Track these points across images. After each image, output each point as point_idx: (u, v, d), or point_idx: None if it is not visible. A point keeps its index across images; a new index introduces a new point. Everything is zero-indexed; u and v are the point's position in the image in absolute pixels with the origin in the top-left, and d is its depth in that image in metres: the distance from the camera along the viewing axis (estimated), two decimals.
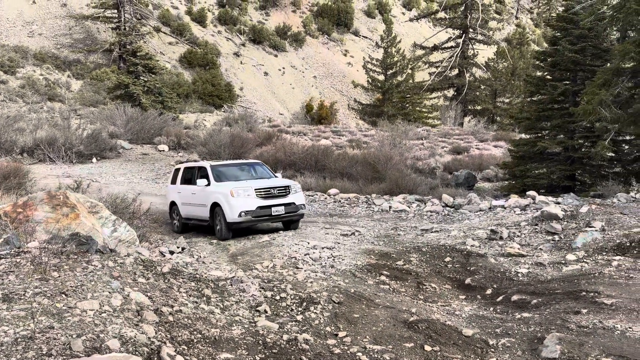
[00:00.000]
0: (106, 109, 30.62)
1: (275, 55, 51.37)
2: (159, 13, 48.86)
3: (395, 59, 43.01)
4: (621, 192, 13.77)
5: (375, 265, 7.73)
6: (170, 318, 4.26)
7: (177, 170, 13.38)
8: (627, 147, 18.70)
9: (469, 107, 44.03)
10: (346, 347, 4.45)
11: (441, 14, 45.77)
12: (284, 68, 50.52)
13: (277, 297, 5.87)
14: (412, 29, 58.04)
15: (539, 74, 20.98)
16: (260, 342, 4.37)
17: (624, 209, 8.90)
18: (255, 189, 10.89)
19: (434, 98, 45.28)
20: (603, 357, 4.15)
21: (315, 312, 5.26)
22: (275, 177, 12.38)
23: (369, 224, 12.51)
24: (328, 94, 48.99)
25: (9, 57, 38.51)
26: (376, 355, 4.32)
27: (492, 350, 4.61)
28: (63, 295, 3.86)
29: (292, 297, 5.86)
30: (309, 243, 9.82)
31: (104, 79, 38.57)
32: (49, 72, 39.76)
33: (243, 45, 50.88)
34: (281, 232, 11.12)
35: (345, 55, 54.68)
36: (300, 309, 5.41)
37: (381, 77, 43.60)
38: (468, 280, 6.90)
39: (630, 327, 4.66)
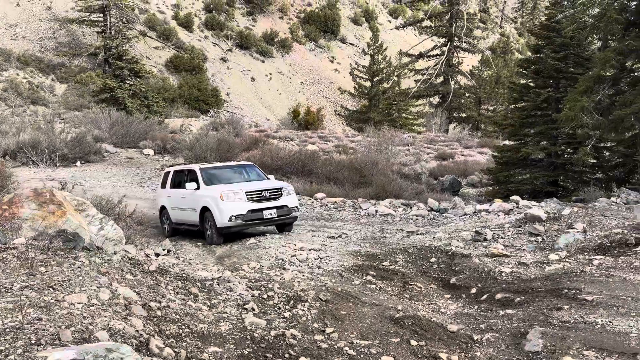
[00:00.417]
0: (91, 112, 30.34)
1: (262, 61, 51.44)
2: (145, 17, 48.65)
3: (382, 66, 43.42)
4: (602, 197, 14.04)
5: (361, 266, 7.79)
6: (159, 313, 4.26)
7: (167, 173, 13.03)
8: (608, 153, 19.09)
9: (454, 114, 44.53)
10: (333, 342, 4.49)
11: (427, 22, 46.31)
12: (270, 74, 50.61)
13: (265, 296, 5.89)
14: (398, 37, 58.60)
15: (522, 81, 21.35)
16: (248, 337, 4.39)
17: (604, 212, 9.10)
18: (246, 192, 10.54)
19: (420, 105, 45.72)
20: (584, 350, 4.25)
21: (303, 310, 5.29)
22: (268, 179, 12.04)
23: (356, 227, 12.57)
24: (315, 100, 49.17)
25: None
26: (363, 350, 4.37)
27: (477, 345, 4.69)
28: (51, 289, 3.84)
29: (279, 295, 5.88)
30: (295, 245, 9.83)
31: (88, 83, 38.22)
32: (33, 75, 39.31)
33: (230, 50, 50.89)
34: (268, 234, 11.08)
35: (332, 61, 54.98)
36: (287, 306, 5.44)
37: (368, 84, 43.94)
38: (453, 280, 6.99)
39: (610, 322, 4.78)
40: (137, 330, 3.65)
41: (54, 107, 35.96)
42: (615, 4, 14.73)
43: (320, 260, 8.43)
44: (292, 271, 7.48)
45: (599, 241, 7.50)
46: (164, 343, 3.69)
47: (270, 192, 10.80)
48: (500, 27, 69.85)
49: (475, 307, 5.89)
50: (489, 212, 13.08)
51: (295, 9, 58.72)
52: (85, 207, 5.64)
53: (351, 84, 45.83)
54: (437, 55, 44.98)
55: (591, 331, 4.64)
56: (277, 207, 10.69)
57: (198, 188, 11.10)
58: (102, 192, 15.10)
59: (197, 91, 43.10)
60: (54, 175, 19.70)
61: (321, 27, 56.52)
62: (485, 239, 8.65)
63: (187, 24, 50.73)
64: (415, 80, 44.88)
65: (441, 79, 44.48)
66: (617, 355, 4.10)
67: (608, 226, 8.05)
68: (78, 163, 23.26)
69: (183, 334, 4.05)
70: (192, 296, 5.21)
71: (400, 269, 7.58)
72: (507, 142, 22.77)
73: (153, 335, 3.72)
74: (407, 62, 45.89)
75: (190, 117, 40.38)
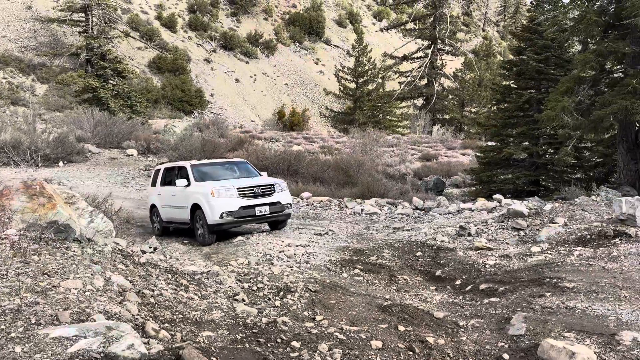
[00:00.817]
0: (73, 112, 30.01)
1: (247, 62, 51.37)
2: (128, 17, 48.26)
3: (366, 67, 43.74)
4: (583, 196, 14.37)
5: (349, 261, 7.89)
6: (152, 300, 4.31)
7: (157, 171, 12.82)
8: (588, 153, 19.54)
9: (438, 116, 45.01)
10: (323, 329, 4.59)
11: (411, 25, 46.76)
12: (255, 75, 50.56)
13: (254, 288, 5.96)
14: (382, 39, 59.03)
15: (505, 82, 21.73)
16: (240, 323, 4.46)
17: (585, 207, 9.36)
18: (237, 188, 10.29)
19: (404, 107, 46.12)
20: (565, 332, 4.41)
21: (293, 299, 5.38)
22: (261, 175, 11.79)
23: (342, 225, 12.68)
24: (300, 102, 49.25)
25: None
26: (352, 335, 4.47)
27: (462, 330, 4.83)
28: (46, 276, 3.86)
29: (269, 287, 5.95)
30: (283, 242, 9.89)
31: (70, 84, 37.75)
32: (13, 75, 38.70)
33: (214, 51, 50.72)
34: (255, 232, 11.11)
35: (317, 63, 55.14)
36: (277, 297, 5.51)
37: (352, 85, 44.20)
38: (438, 272, 7.14)
39: (590, 306, 4.96)
40: (133, 315, 3.70)
41: (35, 108, 35.44)
42: (595, 6, 15.10)
43: (307, 256, 8.51)
44: (280, 266, 7.55)
45: (579, 234, 7.73)
46: (159, 327, 3.75)
47: (262, 189, 10.57)
48: (483, 30, 70.79)
49: (460, 297, 6.04)
50: (473, 210, 13.31)
51: (279, 10, 58.78)
52: (75, 200, 5.66)
53: (336, 86, 46.05)
54: (420, 57, 45.45)
55: (572, 315, 4.82)
56: (270, 204, 10.46)
57: (188, 185, 10.88)
58: (86, 191, 14.98)
59: (181, 92, 42.86)
60: (36, 175, 19.47)
61: (306, 28, 56.68)
62: (469, 234, 8.84)
63: (170, 25, 50.44)
64: (399, 82, 45.27)
65: (425, 81, 44.95)
66: (596, 336, 4.27)
67: (588, 220, 8.29)
68: (60, 163, 23.01)
69: (177, 320, 4.11)
70: (183, 287, 5.26)
71: (387, 263, 7.70)
72: (490, 143, 23.15)
73: (148, 320, 3.78)
74: (391, 65, 46.27)
75: (174, 118, 40.13)
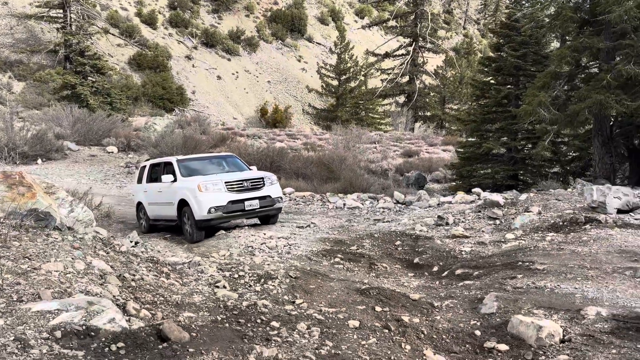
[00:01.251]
0: (51, 109, 29.56)
1: (229, 59, 51.14)
2: (107, 14, 47.65)
3: (349, 64, 43.91)
4: (560, 189, 14.72)
5: (330, 251, 8.01)
6: (133, 284, 4.37)
7: (143, 168, 12.52)
8: (564, 147, 19.99)
9: (419, 113, 45.41)
10: (303, 310, 4.70)
11: (392, 23, 47.06)
12: (237, 72, 50.37)
13: (236, 276, 6.04)
14: (364, 37, 59.27)
15: (484, 78, 22.09)
16: (221, 305, 4.55)
17: (559, 196, 9.63)
18: (225, 182, 9.99)
19: (386, 104, 46.44)
20: (535, 309, 4.59)
21: (273, 285, 5.47)
22: (250, 169, 11.50)
23: (324, 219, 12.79)
24: (282, 99, 49.21)
25: None
26: (331, 315, 4.59)
27: (437, 310, 4.99)
28: (26, 259, 3.89)
29: (250, 275, 6.04)
30: (265, 234, 9.96)
31: (48, 81, 37.14)
32: None
33: (195, 48, 50.38)
34: (237, 226, 11.14)
35: (299, 60, 55.14)
36: (258, 283, 5.60)
37: (335, 83, 44.35)
38: (416, 260, 7.31)
39: (558, 285, 5.16)
40: (114, 296, 3.76)
41: (12, 106, 34.80)
42: (570, 3, 15.43)
43: (289, 247, 8.61)
44: (261, 256, 7.64)
45: (552, 221, 7.97)
46: (140, 307, 3.81)
47: (251, 182, 10.28)
48: (464, 28, 71.53)
49: (437, 282, 6.21)
50: (452, 204, 13.54)
51: (261, 7, 58.62)
52: (54, 190, 5.67)
53: (319, 84, 46.15)
54: (402, 55, 45.80)
55: (541, 294, 5.01)
56: (260, 198, 10.20)
57: (175, 181, 10.58)
58: (65, 187, 14.85)
59: (162, 89, 42.49)
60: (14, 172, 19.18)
61: (288, 26, 56.62)
62: (447, 223, 9.04)
63: (150, 21, 49.94)
64: (381, 80, 45.56)
65: (407, 78, 45.30)
66: (563, 312, 4.46)
67: (561, 208, 8.54)
68: (39, 161, 22.70)
69: (158, 302, 4.17)
70: (164, 274, 5.32)
71: (367, 252, 7.84)
72: (470, 139, 23.51)
73: (129, 300, 3.84)
74: (373, 62, 46.54)
75: (155, 116, 39.76)
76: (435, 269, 6.79)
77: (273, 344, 3.72)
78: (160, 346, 3.24)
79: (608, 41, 14.36)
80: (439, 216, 9.30)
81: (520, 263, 6.01)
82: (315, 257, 7.63)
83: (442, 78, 44.49)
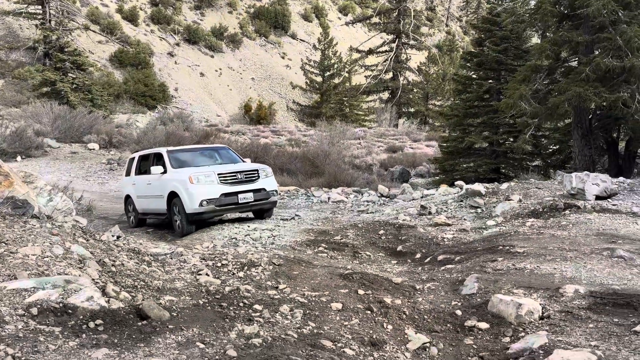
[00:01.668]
0: (31, 106, 29.05)
1: (212, 56, 50.79)
2: (88, 10, 46.95)
3: (333, 61, 43.94)
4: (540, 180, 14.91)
5: (314, 241, 8.02)
6: (113, 269, 4.31)
7: (132, 160, 12.07)
8: (545, 141, 20.29)
9: (403, 110, 45.65)
10: (286, 295, 4.69)
11: (375, 19, 47.21)
12: (220, 69, 50.04)
13: (219, 264, 6.00)
14: (348, 34, 59.31)
15: (466, 73, 22.29)
16: (203, 290, 4.52)
17: (539, 185, 9.77)
18: (218, 174, 9.55)
19: (370, 101, 46.60)
20: (514, 289, 4.66)
21: (257, 272, 5.45)
22: (244, 162, 11.11)
23: (309, 213, 12.81)
24: (267, 96, 49.03)
25: None
26: (314, 299, 4.60)
27: (419, 292, 5.03)
28: (2, 244, 3.80)
29: (233, 263, 6.01)
30: (249, 226, 9.92)
31: (27, 78, 36.48)
32: None
33: (177, 45, 49.92)
34: (221, 220, 11.01)
35: (283, 57, 54.97)
36: (241, 271, 5.58)
37: (319, 79, 44.36)
38: (399, 248, 7.35)
39: (538, 267, 5.24)
40: (93, 279, 3.71)
41: None
42: None
43: (273, 238, 8.59)
44: (245, 247, 7.62)
45: (532, 208, 8.08)
46: (120, 289, 3.77)
47: (245, 174, 9.86)
48: (447, 25, 72.02)
49: (419, 268, 6.26)
50: (435, 196, 13.64)
51: (244, 3, 58.30)
52: (32, 178, 5.57)
53: (303, 81, 46.11)
54: (386, 51, 45.99)
55: (521, 275, 5.08)
56: (254, 191, 9.77)
57: (165, 172, 10.12)
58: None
59: (144, 86, 42.02)
60: None
61: (271, 22, 56.41)
62: (429, 213, 9.11)
63: (132, 18, 49.35)
64: (365, 76, 45.70)
65: (390, 75, 45.51)
66: (542, 291, 4.53)
67: (541, 196, 8.67)
68: (19, 158, 22.32)
69: (139, 286, 4.13)
70: (145, 263, 5.27)
71: (351, 241, 7.87)
72: (452, 133, 23.71)
73: (109, 283, 3.79)
74: (357, 58, 46.66)
75: (137, 113, 39.33)
76: (418, 256, 6.85)
77: (256, 324, 3.72)
78: (140, 323, 3.21)
79: (587, 35, 14.57)
80: (422, 205, 9.37)
81: (500, 247, 6.09)
82: (299, 247, 7.64)
83: (425, 74, 44.78)
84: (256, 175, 9.98)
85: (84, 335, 2.88)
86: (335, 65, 44.02)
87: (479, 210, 8.78)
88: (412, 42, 45.76)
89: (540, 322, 4.00)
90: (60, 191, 5.87)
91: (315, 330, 3.78)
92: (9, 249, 3.72)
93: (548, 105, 15.10)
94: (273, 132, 34.02)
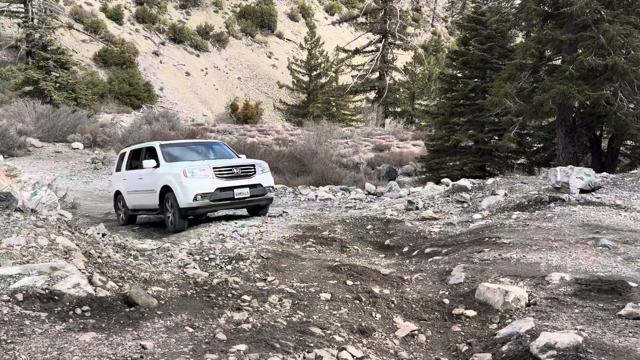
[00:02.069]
0: (13, 105, 28.61)
1: (197, 55, 50.49)
2: (71, 9, 46.40)
3: (319, 60, 43.98)
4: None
5: (302, 236, 8.01)
6: (100, 260, 4.26)
7: (123, 154, 11.70)
8: (529, 139, 20.52)
9: (390, 109, 45.86)
10: (274, 286, 4.68)
11: (362, 19, 47.35)
12: (206, 68, 49.77)
13: (206, 259, 5.97)
14: (334, 34, 59.39)
15: (452, 72, 22.45)
16: (191, 282, 4.48)
17: (524, 180, 9.89)
18: (213, 168, 9.26)
19: (357, 100, 46.75)
20: (501, 277, 4.71)
21: (245, 265, 5.43)
22: (239, 157, 10.83)
23: (297, 210, 12.81)
24: (253, 96, 48.87)
25: None
26: (302, 289, 4.59)
27: (407, 283, 5.06)
28: None
29: (220, 257, 5.98)
30: (236, 223, 9.89)
31: (9, 78, 35.90)
32: None
33: (163, 44, 49.55)
34: (207, 217, 10.95)
35: (269, 57, 54.85)
36: (229, 265, 5.56)
37: (306, 78, 44.37)
38: (387, 242, 7.38)
39: (524, 256, 5.30)
40: (79, 269, 3.66)
41: None
42: None
43: (261, 234, 8.56)
44: (233, 242, 7.58)
45: (518, 201, 8.18)
46: (106, 279, 3.73)
47: (242, 169, 9.56)
48: (432, 25, 72.48)
49: (407, 260, 6.29)
50: (422, 192, 13.71)
51: (230, 3, 58.07)
52: (16, 172, 5.49)
53: (289, 80, 46.09)
54: (372, 51, 46.16)
55: (507, 264, 5.14)
56: (250, 186, 9.47)
57: (158, 166, 9.79)
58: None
59: (128, 86, 41.62)
60: None
61: (257, 22, 56.26)
62: (417, 208, 9.16)
63: (116, 17, 48.88)
64: (352, 76, 45.83)
65: (377, 74, 45.69)
66: (528, 279, 4.58)
67: (526, 190, 8.78)
68: (0, 157, 21.93)
69: (125, 277, 4.08)
70: (132, 256, 5.22)
71: (339, 236, 7.87)
72: (439, 132, 23.86)
73: (95, 273, 3.75)
74: (343, 58, 46.77)
75: (121, 113, 38.92)
76: (406, 249, 6.88)
77: (245, 312, 3.70)
78: (128, 310, 3.18)
79: (570, 33, 14.76)
80: (409, 201, 9.42)
81: (487, 239, 6.15)
82: (287, 242, 7.63)
83: (412, 74, 45.03)
84: (253, 170, 9.73)
85: (70, 320, 2.84)
86: (322, 65, 44.08)
87: (465, 204, 8.85)
88: (398, 42, 45.99)
89: (526, 308, 4.05)
90: (45, 185, 5.78)
91: (304, 319, 3.78)
92: None
93: (532, 103, 15.28)
94: (260, 132, 33.95)
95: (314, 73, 44.06)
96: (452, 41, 66.05)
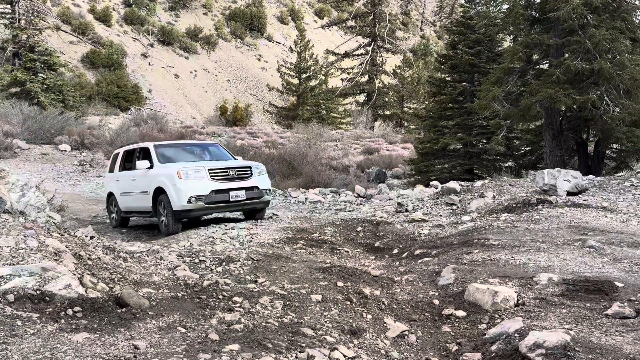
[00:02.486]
0: None
1: (187, 58, 50.29)
2: (59, 10, 45.99)
3: (309, 63, 44.05)
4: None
5: (292, 238, 8.03)
6: (90, 262, 4.24)
7: (116, 155, 11.49)
8: (517, 142, 20.74)
9: (379, 112, 46.07)
10: (265, 288, 4.69)
11: (351, 23, 47.54)
12: (195, 71, 49.59)
13: (196, 261, 5.96)
14: (324, 37, 59.53)
15: (440, 76, 22.64)
16: (181, 284, 4.48)
17: (512, 183, 9.99)
18: (208, 169, 9.01)
19: (347, 104, 46.90)
20: (490, 278, 4.77)
21: (235, 267, 5.43)
22: (235, 159, 10.63)
23: (287, 212, 12.81)
24: (243, 98, 48.77)
25: None
26: (293, 291, 4.61)
27: (397, 284, 5.09)
28: None
29: (211, 259, 5.98)
30: (226, 226, 9.86)
31: None
32: None
33: (151, 46, 49.29)
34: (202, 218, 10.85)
35: (259, 60, 54.81)
36: (220, 267, 5.55)
37: (295, 81, 44.40)
38: (377, 244, 7.42)
39: (512, 257, 5.37)
40: (70, 270, 3.64)
41: None
42: (522, 0, 15.99)
43: (251, 237, 8.55)
44: (223, 245, 7.57)
45: (506, 204, 8.27)
46: (97, 281, 3.71)
47: (238, 171, 9.32)
48: (421, 29, 72.95)
49: (397, 262, 6.33)
50: (411, 195, 13.79)
51: (220, 5, 57.97)
52: (4, 174, 5.43)
53: (279, 83, 46.07)
54: (361, 54, 46.38)
55: (496, 265, 5.20)
56: (247, 188, 9.22)
57: (151, 167, 9.56)
58: None
59: (117, 88, 41.31)
60: None
61: (247, 24, 56.20)
62: (406, 210, 9.22)
63: (104, 18, 48.54)
64: (341, 79, 45.98)
65: (366, 77, 45.89)
66: (517, 280, 4.64)
67: (515, 193, 8.89)
68: None
69: (116, 279, 4.07)
70: (122, 259, 5.19)
71: (329, 238, 7.90)
72: (428, 135, 24.02)
73: (86, 275, 3.73)
74: (333, 61, 46.93)
75: (109, 115, 38.60)
76: (396, 251, 6.92)
77: (237, 313, 3.71)
78: (119, 310, 3.17)
79: (557, 38, 14.97)
80: (398, 203, 9.48)
81: (476, 240, 6.22)
82: (277, 244, 7.63)
83: (401, 78, 45.29)
84: (249, 172, 9.51)
85: (62, 321, 2.84)
86: (312, 68, 44.15)
87: (454, 207, 8.93)
88: (387, 45, 46.25)
89: (515, 308, 4.11)
90: (33, 187, 5.73)
91: (295, 320, 3.80)
92: None
93: (520, 106, 15.46)
94: (249, 134, 33.90)
95: (304, 76, 44.11)
96: (440, 45, 66.58)
